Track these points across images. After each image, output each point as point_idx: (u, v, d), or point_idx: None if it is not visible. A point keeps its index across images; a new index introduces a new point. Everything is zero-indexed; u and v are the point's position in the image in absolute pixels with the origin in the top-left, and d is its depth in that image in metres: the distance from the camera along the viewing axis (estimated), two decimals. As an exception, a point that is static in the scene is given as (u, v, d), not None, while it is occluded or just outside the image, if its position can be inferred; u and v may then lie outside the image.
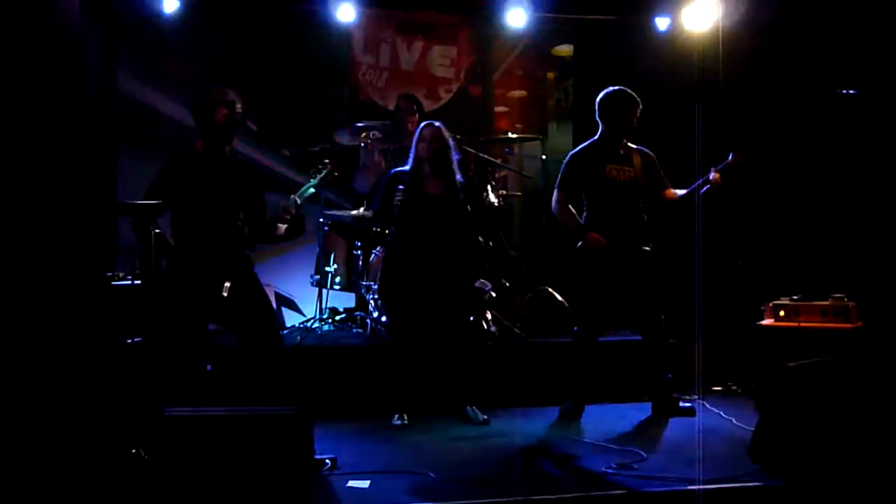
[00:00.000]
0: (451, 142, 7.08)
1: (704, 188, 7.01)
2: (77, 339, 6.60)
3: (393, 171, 7.15)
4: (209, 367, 6.39)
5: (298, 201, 6.26)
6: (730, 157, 6.98)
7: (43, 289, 6.93)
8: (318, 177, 6.58)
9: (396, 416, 6.99)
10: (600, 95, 7.22)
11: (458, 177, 7.09)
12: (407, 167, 7.09)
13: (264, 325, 6.28)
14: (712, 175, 6.95)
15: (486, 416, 6.99)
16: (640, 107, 7.17)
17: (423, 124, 7.11)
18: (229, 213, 6.22)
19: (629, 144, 7.25)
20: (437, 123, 7.10)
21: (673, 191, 7.25)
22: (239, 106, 6.38)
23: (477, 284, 7.55)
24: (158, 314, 6.03)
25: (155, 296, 5.99)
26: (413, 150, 7.08)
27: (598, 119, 7.23)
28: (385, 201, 7.02)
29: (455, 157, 7.12)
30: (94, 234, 8.04)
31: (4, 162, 7.40)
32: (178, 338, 6.11)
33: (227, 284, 6.09)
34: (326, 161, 6.76)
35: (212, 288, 6.09)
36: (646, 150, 7.32)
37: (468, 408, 7.04)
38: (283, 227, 6.29)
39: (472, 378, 7.15)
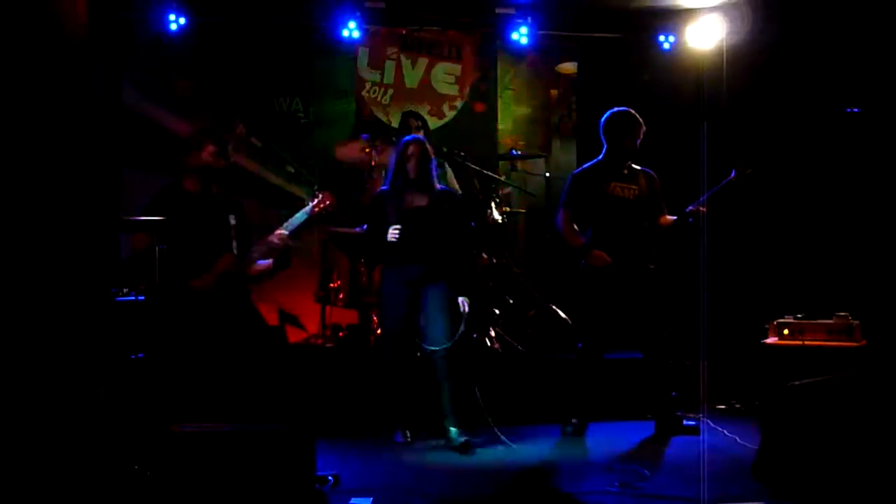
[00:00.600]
0: (432, 154, 7.04)
1: (689, 220, 7.03)
2: (81, 355, 6.60)
3: (377, 191, 7.11)
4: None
5: (286, 233, 6.26)
6: (732, 174, 6.99)
7: (46, 304, 6.93)
8: (309, 206, 6.49)
9: (398, 432, 6.96)
10: (605, 116, 7.23)
11: (439, 186, 7.06)
12: (386, 186, 7.03)
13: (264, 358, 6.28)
14: (696, 207, 6.99)
15: (465, 439, 6.79)
16: (644, 128, 7.18)
17: (407, 139, 7.01)
18: (221, 251, 6.18)
19: (633, 165, 7.26)
20: (420, 137, 7.09)
21: (668, 217, 7.26)
22: (230, 149, 6.39)
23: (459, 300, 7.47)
24: (163, 332, 6.04)
25: (159, 311, 6.00)
26: (395, 165, 6.96)
27: (602, 138, 7.23)
28: (375, 222, 6.93)
29: (434, 168, 7.06)
30: (97, 249, 8.04)
31: (8, 176, 7.42)
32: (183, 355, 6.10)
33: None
34: (317, 192, 6.62)
35: (213, 325, 6.08)
36: (650, 171, 7.32)
37: (450, 428, 6.89)
38: (269, 262, 6.30)
39: (454, 395, 6.97)
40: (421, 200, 6.91)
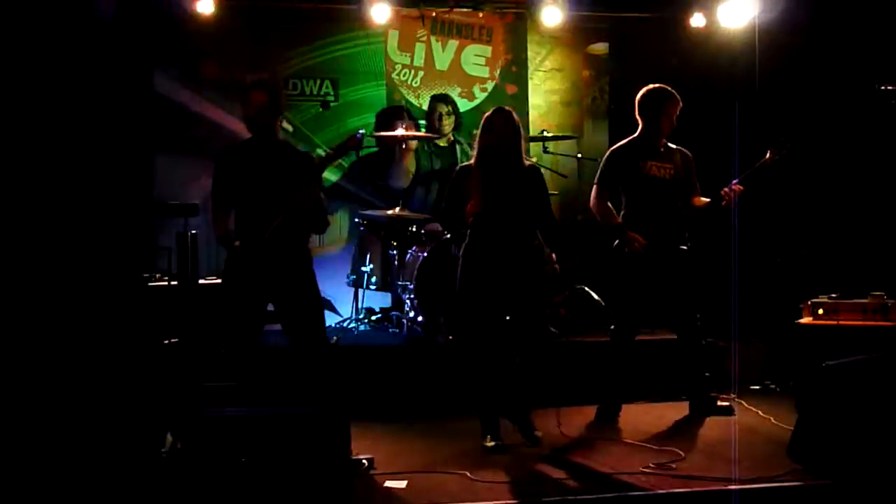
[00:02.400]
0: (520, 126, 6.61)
1: (722, 202, 6.99)
2: (115, 339, 6.65)
3: (459, 166, 6.88)
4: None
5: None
6: (766, 156, 6.96)
7: (81, 289, 6.98)
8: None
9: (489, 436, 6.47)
10: (640, 93, 7.17)
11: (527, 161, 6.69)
12: (471, 161, 6.62)
13: (309, 320, 6.30)
14: (730, 187, 6.95)
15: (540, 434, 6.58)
16: (680, 104, 7.12)
17: (493, 111, 6.56)
18: (284, 199, 6.16)
19: (669, 144, 7.21)
20: (507, 108, 6.60)
21: (701, 199, 7.21)
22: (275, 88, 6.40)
23: None
24: (208, 309, 6.07)
25: (193, 296, 6.03)
26: (483, 140, 6.50)
27: (637, 116, 7.18)
28: (456, 200, 6.50)
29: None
30: (131, 234, 8.09)
31: (43, 164, 7.47)
32: (230, 332, 6.14)
33: None
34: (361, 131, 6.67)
35: (270, 275, 6.11)
36: (686, 151, 7.27)
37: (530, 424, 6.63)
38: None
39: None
40: (512, 176, 6.53)
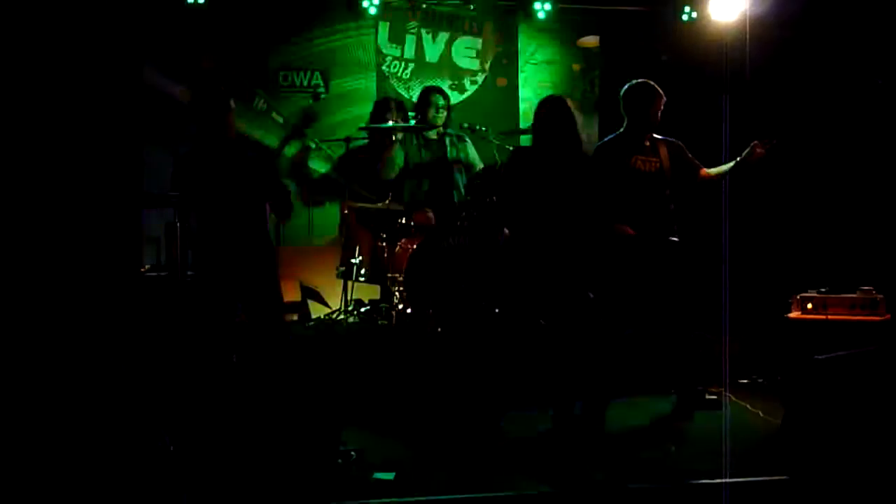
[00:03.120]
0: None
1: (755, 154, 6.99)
2: (107, 331, 6.64)
3: (515, 149, 6.67)
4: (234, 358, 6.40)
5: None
6: (756, 149, 6.97)
7: (72, 281, 6.97)
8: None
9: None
10: (623, 88, 7.20)
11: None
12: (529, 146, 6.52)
13: (269, 309, 6.32)
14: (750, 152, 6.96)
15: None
16: (664, 99, 7.14)
17: (549, 98, 6.55)
18: (247, 198, 6.22)
19: (655, 136, 7.22)
20: (565, 98, 6.57)
21: (707, 170, 7.23)
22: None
23: None
24: (187, 305, 6.07)
25: (182, 287, 6.02)
26: (543, 125, 6.44)
27: (622, 112, 7.20)
28: (515, 186, 6.35)
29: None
30: (121, 226, 8.07)
31: (32, 156, 7.45)
32: (206, 328, 6.16)
33: None
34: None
35: (236, 271, 6.13)
36: (671, 139, 7.28)
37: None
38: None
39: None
40: (564, 165, 6.48)
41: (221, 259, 6.21)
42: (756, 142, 7.00)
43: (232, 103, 6.41)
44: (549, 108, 6.25)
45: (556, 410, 6.33)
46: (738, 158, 7.07)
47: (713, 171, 7.24)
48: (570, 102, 6.33)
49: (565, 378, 6.27)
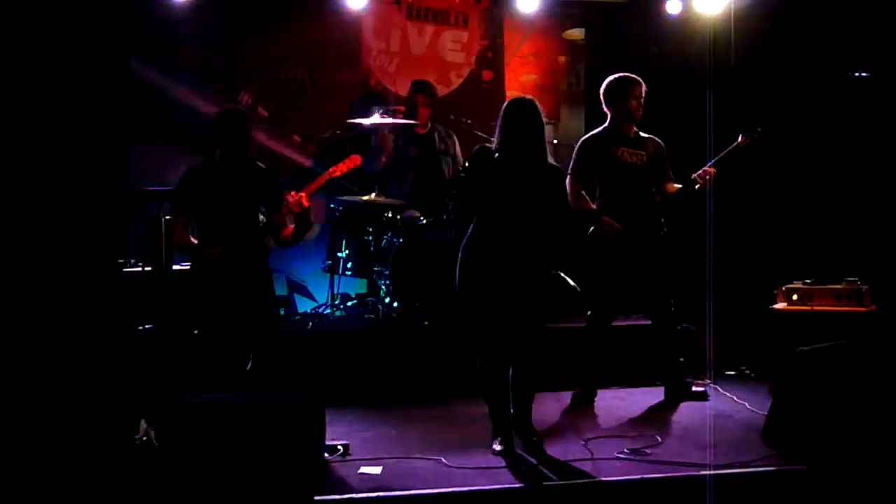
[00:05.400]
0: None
1: (696, 186, 7.00)
2: (90, 326, 6.63)
3: (479, 147, 6.64)
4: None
5: (304, 195, 6.23)
6: (738, 140, 6.99)
7: (55, 276, 6.95)
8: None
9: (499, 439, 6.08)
10: (603, 85, 7.22)
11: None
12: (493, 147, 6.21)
13: (262, 329, 6.28)
14: (703, 170, 6.96)
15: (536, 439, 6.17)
16: (643, 87, 7.15)
17: (518, 101, 6.20)
18: (249, 217, 6.20)
19: (641, 133, 7.23)
20: (531, 99, 6.19)
21: (673, 185, 7.24)
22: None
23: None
24: (178, 305, 6.05)
25: (168, 284, 6.01)
26: (506, 130, 6.12)
27: (605, 108, 7.22)
28: (477, 181, 6.11)
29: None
30: (105, 220, 8.06)
31: (16, 150, 7.42)
32: (206, 331, 6.14)
33: None
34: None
35: (231, 287, 6.10)
36: (657, 139, 7.29)
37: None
38: (290, 226, 6.28)
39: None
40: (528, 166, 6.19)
41: (220, 295, 6.15)
42: (696, 173, 6.99)
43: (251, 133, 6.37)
44: (516, 109, 6.16)
45: (515, 404, 6.21)
46: (685, 185, 7.08)
47: (673, 188, 7.21)
48: (539, 107, 6.21)
49: (522, 370, 6.19)
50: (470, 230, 6.11)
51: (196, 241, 6.21)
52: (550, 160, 6.17)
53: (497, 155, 6.06)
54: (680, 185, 7.15)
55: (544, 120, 6.11)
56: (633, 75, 7.16)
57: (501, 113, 6.13)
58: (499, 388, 6.06)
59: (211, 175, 6.21)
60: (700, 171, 6.98)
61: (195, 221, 6.24)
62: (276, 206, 6.22)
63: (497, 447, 5.95)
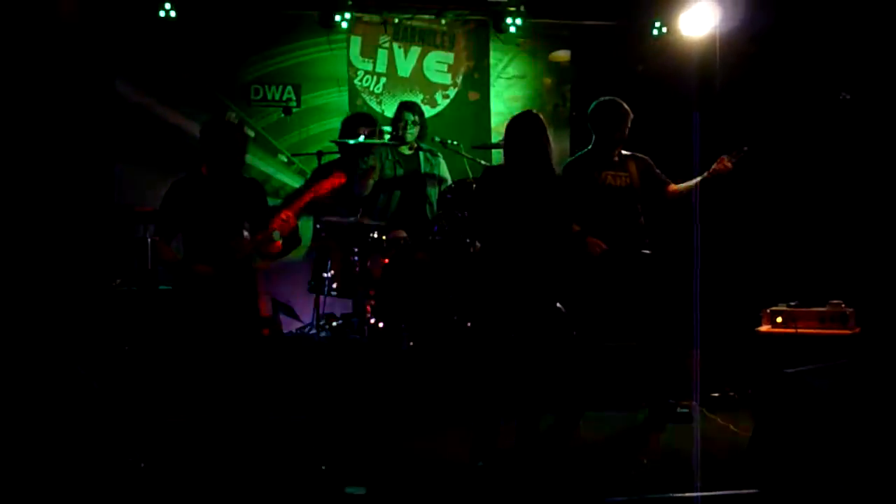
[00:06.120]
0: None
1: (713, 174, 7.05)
2: (78, 345, 6.61)
3: (487, 168, 6.61)
4: None
5: (291, 213, 6.23)
6: (719, 161, 7.04)
7: (43, 295, 6.93)
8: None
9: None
10: (591, 106, 7.25)
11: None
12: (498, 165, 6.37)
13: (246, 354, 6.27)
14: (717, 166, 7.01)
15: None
16: (631, 116, 7.18)
17: (526, 116, 6.32)
18: (236, 232, 6.18)
19: (623, 152, 7.26)
20: (537, 113, 6.35)
21: (675, 185, 7.27)
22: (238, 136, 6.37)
23: None
24: (163, 325, 6.03)
25: (152, 302, 5.99)
26: (512, 143, 6.21)
27: (590, 128, 7.24)
28: (486, 205, 6.14)
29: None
30: (91, 240, 8.05)
31: (2, 169, 7.41)
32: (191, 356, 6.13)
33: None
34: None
35: (216, 306, 6.08)
36: (640, 155, 7.32)
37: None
38: (278, 241, 6.27)
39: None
40: (537, 183, 6.24)
41: (204, 313, 6.12)
42: (724, 156, 7.05)
43: (243, 142, 6.36)
44: (520, 124, 6.19)
45: (521, 424, 6.24)
46: (706, 173, 7.12)
47: (681, 186, 7.28)
48: (542, 117, 6.26)
49: (533, 391, 6.21)
50: (484, 252, 6.12)
51: (181, 258, 6.20)
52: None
53: (507, 171, 6.12)
54: (690, 182, 7.17)
55: (547, 133, 6.22)
56: (623, 104, 7.17)
57: (506, 131, 6.19)
58: (492, 407, 6.06)
59: (198, 188, 6.20)
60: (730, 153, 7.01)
61: (182, 236, 6.24)
62: (262, 222, 6.22)
63: (478, 465, 5.95)
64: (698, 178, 7.16)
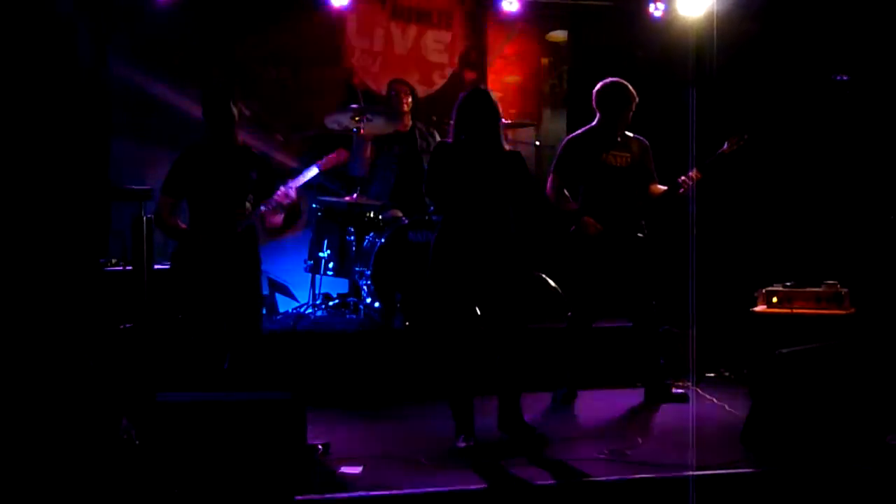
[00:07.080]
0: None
1: (680, 189, 7.05)
2: (70, 325, 6.59)
3: (438, 142, 6.72)
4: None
5: (292, 189, 6.29)
6: (724, 146, 7.02)
7: (36, 275, 6.91)
8: (321, 161, 6.65)
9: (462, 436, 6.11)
10: (598, 86, 7.19)
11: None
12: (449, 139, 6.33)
13: (246, 317, 6.32)
14: (688, 175, 7.00)
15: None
16: (637, 100, 7.15)
17: (471, 92, 6.33)
18: (239, 201, 6.29)
19: (627, 132, 7.24)
20: (484, 89, 6.43)
21: (657, 186, 7.25)
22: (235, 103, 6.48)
23: None
24: (159, 299, 6.05)
25: (150, 281, 5.98)
26: (460, 122, 6.23)
27: (595, 107, 7.21)
28: (439, 176, 6.13)
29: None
30: (86, 218, 8.02)
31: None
32: (189, 323, 6.20)
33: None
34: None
35: (218, 271, 6.15)
36: (643, 139, 7.30)
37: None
38: (280, 216, 6.33)
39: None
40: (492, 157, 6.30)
41: (205, 282, 6.23)
42: (682, 177, 7.04)
43: (235, 112, 6.40)
44: (470, 100, 6.23)
45: (501, 401, 6.29)
46: (669, 187, 7.12)
47: (658, 192, 7.24)
48: (492, 95, 6.29)
49: (507, 367, 6.24)
50: (439, 227, 6.20)
51: (184, 227, 6.34)
52: (507, 146, 6.28)
53: (455, 147, 6.17)
54: (664, 188, 7.17)
55: (499, 109, 6.28)
56: (630, 88, 7.13)
57: (456, 107, 6.27)
58: (463, 383, 6.13)
59: (205, 157, 6.33)
60: (686, 175, 7.01)
61: (187, 203, 6.37)
62: (266, 192, 6.33)
63: (461, 444, 6.01)
64: (669, 191, 7.14)
